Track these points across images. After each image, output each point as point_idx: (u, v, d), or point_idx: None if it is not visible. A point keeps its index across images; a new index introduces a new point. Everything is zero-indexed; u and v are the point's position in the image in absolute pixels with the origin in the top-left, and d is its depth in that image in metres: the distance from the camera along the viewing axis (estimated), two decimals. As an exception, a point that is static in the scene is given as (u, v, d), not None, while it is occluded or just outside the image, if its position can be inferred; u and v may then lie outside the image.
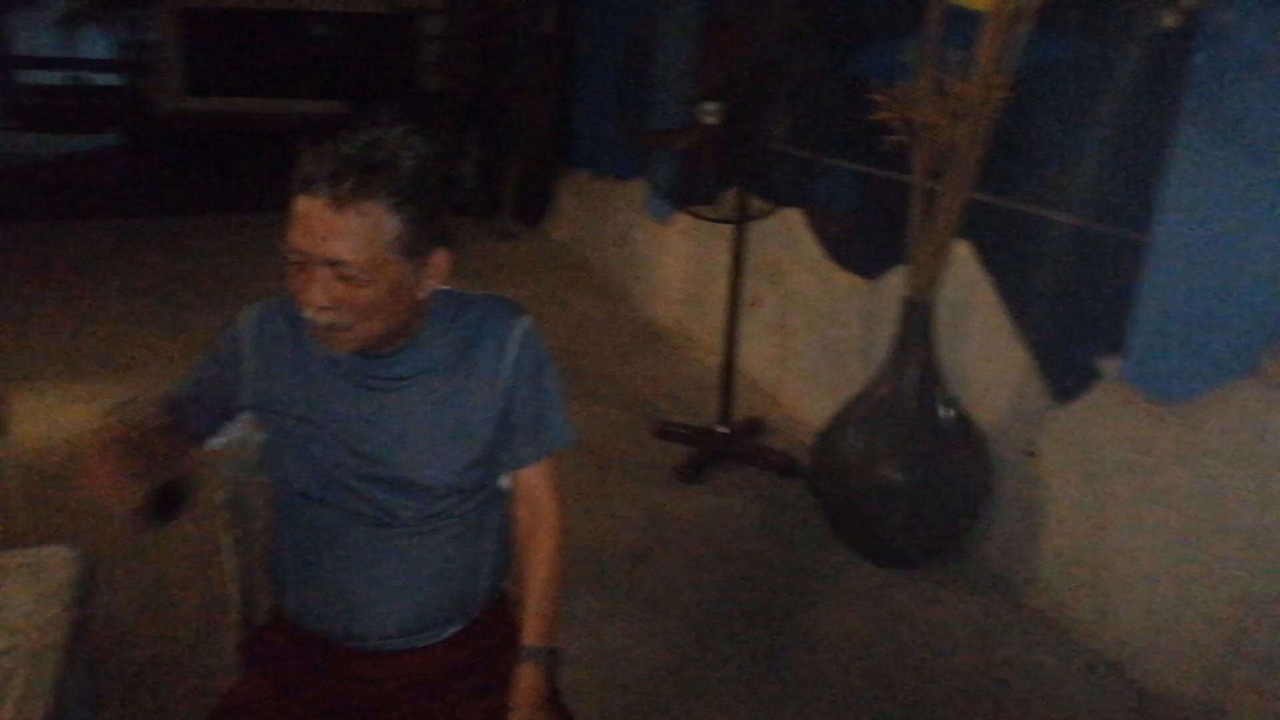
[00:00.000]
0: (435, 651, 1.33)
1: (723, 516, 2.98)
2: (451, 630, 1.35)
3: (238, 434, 1.41)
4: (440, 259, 1.20)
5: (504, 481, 1.38)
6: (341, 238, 1.11)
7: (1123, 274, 2.30)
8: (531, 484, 1.37)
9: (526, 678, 1.29)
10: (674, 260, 4.75)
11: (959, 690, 2.23)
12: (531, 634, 1.32)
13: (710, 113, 2.99)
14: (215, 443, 1.35)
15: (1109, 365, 2.34)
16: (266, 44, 10.02)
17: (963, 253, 2.77)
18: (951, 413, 2.57)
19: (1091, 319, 2.43)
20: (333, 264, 1.12)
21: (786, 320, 3.78)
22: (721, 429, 3.34)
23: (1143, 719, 2.14)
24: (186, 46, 9.97)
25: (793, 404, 3.77)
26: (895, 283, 3.14)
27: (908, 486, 2.53)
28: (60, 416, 3.40)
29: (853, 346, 3.38)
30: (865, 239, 3.35)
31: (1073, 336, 2.49)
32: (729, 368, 3.32)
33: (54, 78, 13.67)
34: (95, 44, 12.67)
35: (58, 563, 1.24)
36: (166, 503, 1.10)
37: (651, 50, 4.43)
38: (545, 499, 1.37)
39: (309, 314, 1.15)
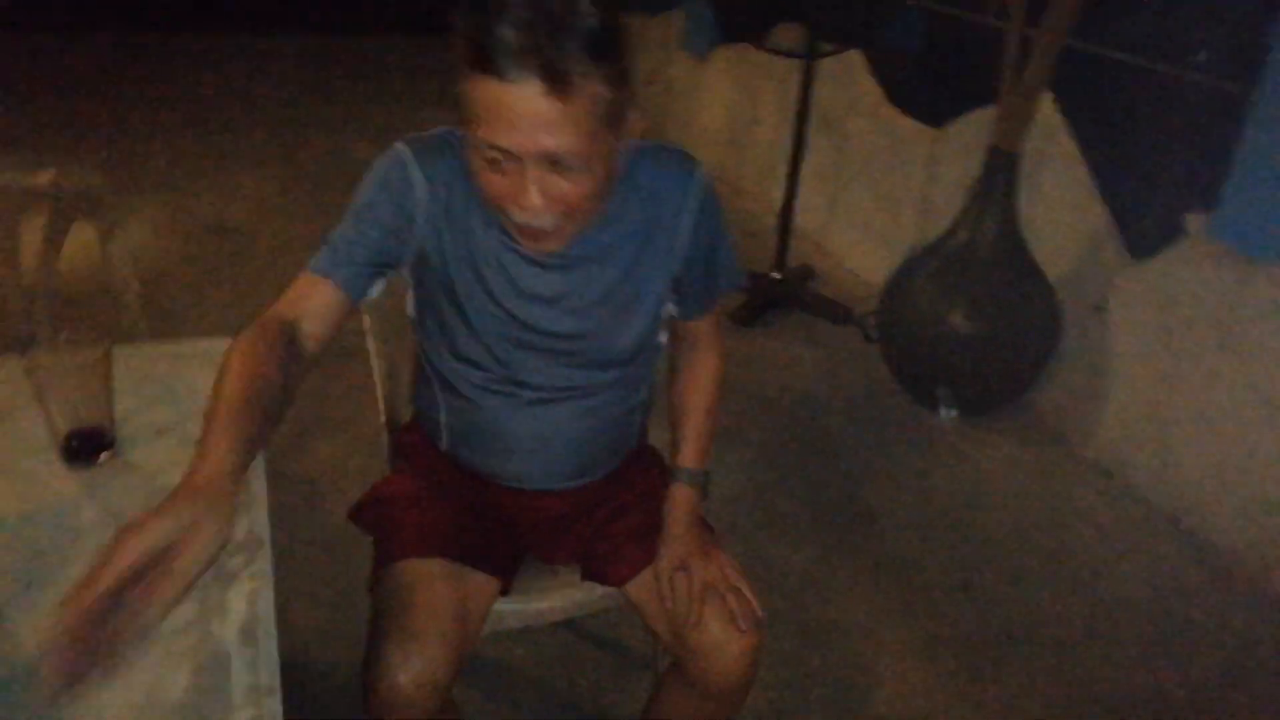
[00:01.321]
0: (589, 488, 1.34)
1: (782, 359, 3.01)
2: (605, 471, 1.35)
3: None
4: (634, 117, 1.04)
5: (662, 336, 1.34)
6: (562, 126, 0.94)
7: (1221, 127, 2.26)
8: (697, 325, 1.34)
9: (681, 496, 1.32)
10: (714, 101, 4.62)
11: (1019, 528, 2.33)
12: (688, 457, 1.34)
13: (791, -60, 2.84)
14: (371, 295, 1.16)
15: (1196, 220, 2.33)
16: None
17: (1043, 101, 2.70)
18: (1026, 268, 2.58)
19: (1181, 173, 2.40)
20: (553, 159, 0.96)
21: (840, 167, 3.71)
22: (775, 275, 3.33)
23: (1200, 568, 2.24)
24: None
25: (841, 253, 3.75)
26: (964, 130, 3.09)
27: (977, 336, 2.55)
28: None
29: (912, 196, 3.34)
30: (933, 84, 3.26)
31: (1157, 191, 2.47)
32: (787, 213, 3.28)
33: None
34: None
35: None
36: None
37: None
38: (709, 335, 1.35)
39: (522, 218, 1.01)
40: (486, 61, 0.91)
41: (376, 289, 1.14)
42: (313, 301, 1.07)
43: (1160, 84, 2.42)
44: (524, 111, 0.92)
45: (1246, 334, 2.19)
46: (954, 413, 2.68)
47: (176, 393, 1.17)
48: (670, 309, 1.29)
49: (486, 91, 0.93)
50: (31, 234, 1.66)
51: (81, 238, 1.69)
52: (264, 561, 0.92)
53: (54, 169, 1.68)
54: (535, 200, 0.99)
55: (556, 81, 0.91)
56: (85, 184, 1.70)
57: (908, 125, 3.35)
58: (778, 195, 3.35)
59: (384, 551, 1.23)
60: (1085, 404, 2.63)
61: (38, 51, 5.96)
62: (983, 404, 2.72)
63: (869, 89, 3.52)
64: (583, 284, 1.17)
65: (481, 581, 1.23)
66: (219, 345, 1.28)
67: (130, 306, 1.76)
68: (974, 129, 3.00)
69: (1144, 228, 2.49)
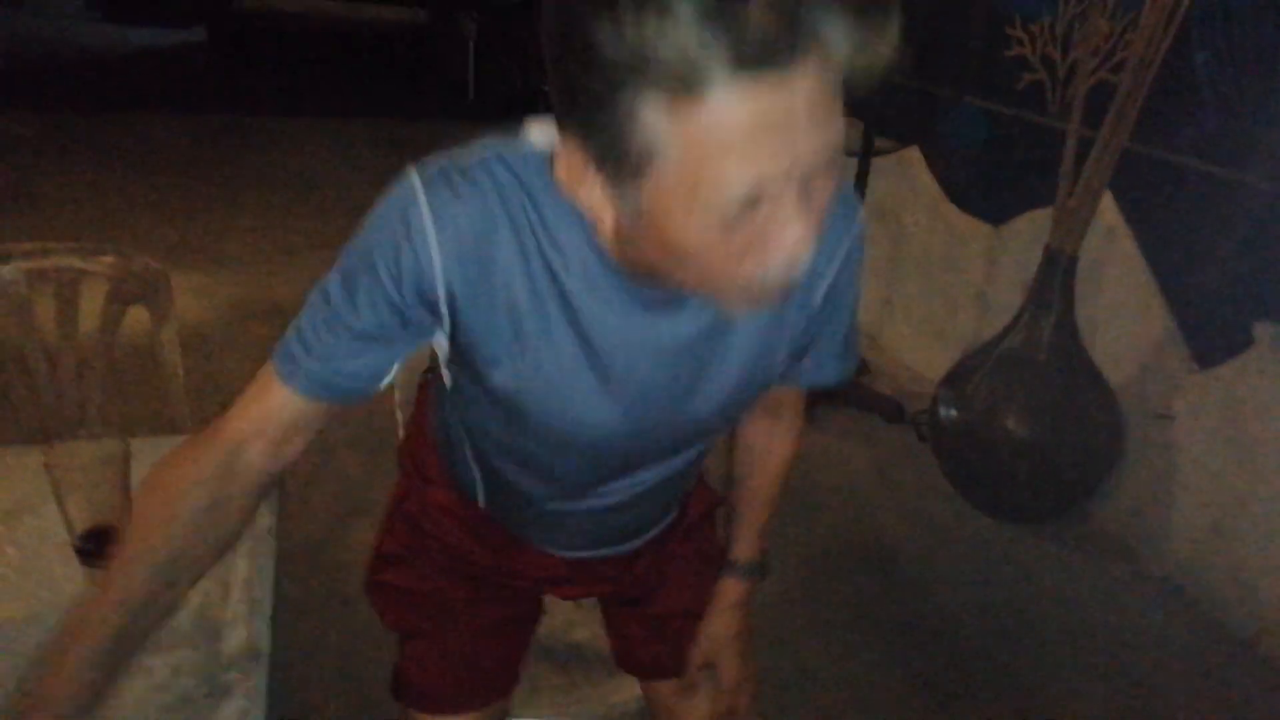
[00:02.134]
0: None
1: (832, 458, 2.95)
2: (660, 527, 1.20)
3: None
4: None
5: None
6: (836, 109, 0.64)
7: (1290, 236, 2.19)
8: (786, 396, 1.11)
9: (734, 593, 1.18)
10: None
11: (1079, 647, 2.20)
12: (747, 546, 1.18)
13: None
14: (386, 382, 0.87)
15: (1265, 330, 2.24)
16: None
17: (1104, 202, 2.64)
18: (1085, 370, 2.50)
19: (1247, 280, 2.31)
20: (834, 162, 0.68)
21: (897, 261, 3.68)
22: (828, 369, 3.28)
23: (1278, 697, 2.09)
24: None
25: (897, 348, 3.69)
26: (1022, 229, 3.04)
27: (1035, 442, 2.47)
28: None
29: (969, 294, 3.29)
30: (991, 182, 3.23)
31: (1224, 298, 2.38)
32: (841, 307, 3.25)
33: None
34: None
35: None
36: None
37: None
38: (793, 410, 1.15)
39: (786, 267, 0.69)
40: (748, 57, 0.58)
41: (383, 381, 0.84)
42: (266, 412, 0.82)
43: (1225, 189, 2.36)
44: (806, 108, 0.61)
45: (1322, 451, 2.08)
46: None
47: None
48: None
49: (743, 106, 0.60)
50: (88, 316, 1.71)
51: (137, 323, 1.74)
52: (260, 678, 0.90)
53: (114, 253, 1.73)
54: (810, 230, 0.68)
55: (824, 51, 0.60)
56: (144, 268, 1.75)
57: (966, 222, 3.31)
58: (832, 288, 3.32)
59: (404, 686, 1.16)
60: (1151, 516, 2.51)
61: (122, 130, 6.28)
62: (1042, 512, 2.61)
63: (927, 184, 3.50)
64: (715, 357, 0.88)
65: (498, 712, 1.18)
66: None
67: (176, 395, 1.79)
68: (1033, 228, 2.95)
69: (1210, 335, 2.40)
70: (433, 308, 0.80)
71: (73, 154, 5.62)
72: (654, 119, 0.61)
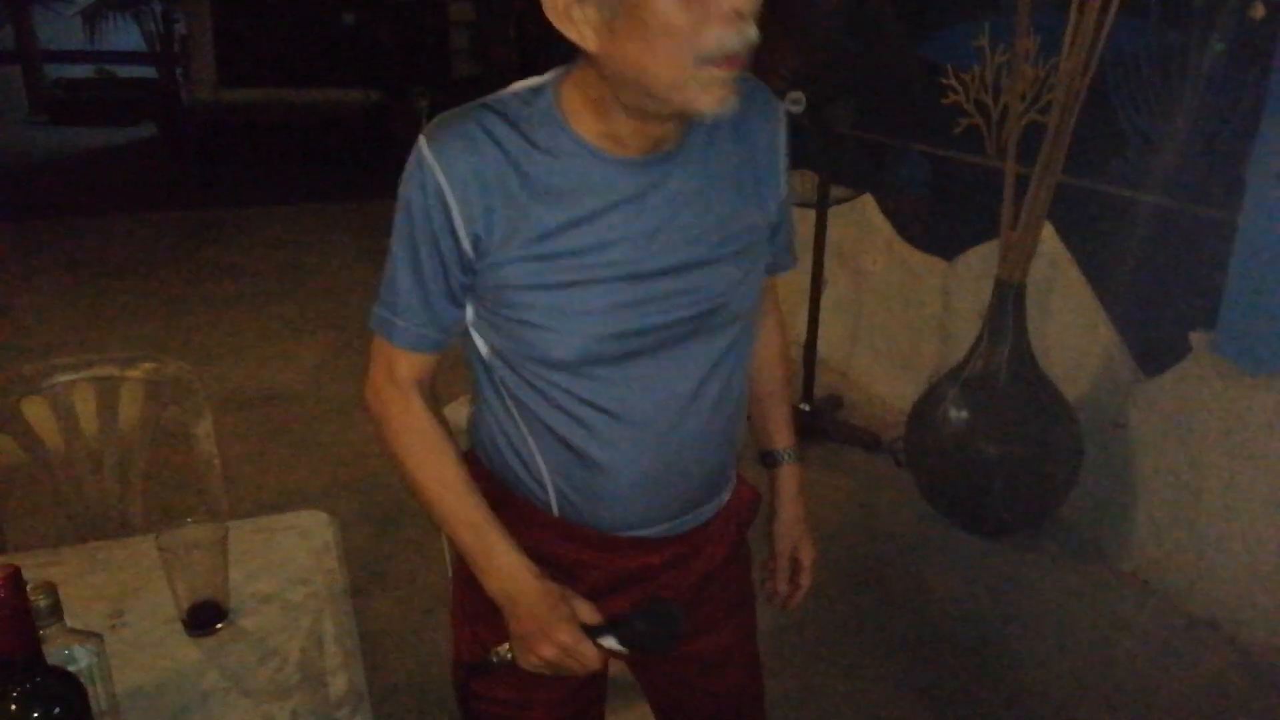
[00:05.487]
0: (686, 542, 1.17)
1: (817, 490, 3.12)
2: (709, 510, 1.19)
3: None
4: None
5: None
6: None
7: (1211, 251, 2.42)
8: (767, 281, 1.20)
9: (792, 475, 1.29)
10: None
11: (1065, 647, 2.37)
12: (785, 435, 1.30)
13: (796, 101, 3.10)
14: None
15: (1199, 338, 2.46)
16: (298, 34, 10.11)
17: (1045, 232, 2.87)
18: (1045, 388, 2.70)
19: (1180, 294, 2.54)
20: None
21: (859, 300, 3.90)
22: (804, 406, 3.47)
23: (1246, 675, 2.27)
24: (219, 37, 10.06)
25: (866, 381, 3.89)
26: (972, 262, 3.27)
27: (1005, 459, 2.66)
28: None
29: (930, 325, 3.50)
30: (941, 220, 3.46)
31: (1161, 312, 2.61)
32: (811, 347, 3.44)
33: (81, 71, 13.85)
34: (123, 36, 12.77)
35: (319, 524, 1.38)
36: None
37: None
38: (772, 295, 1.25)
39: (748, 36, 0.90)
40: None
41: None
42: (398, 373, 1.07)
43: (1151, 213, 2.59)
44: None
45: (1258, 445, 2.29)
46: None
47: (273, 564, 1.31)
48: None
49: None
50: (127, 420, 1.85)
51: (172, 423, 1.87)
52: (365, 715, 1.04)
53: (150, 361, 1.87)
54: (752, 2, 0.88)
55: None
56: (176, 372, 1.89)
57: (920, 258, 3.54)
58: (801, 329, 3.52)
59: None
60: (1117, 517, 2.70)
61: (84, 233, 6.38)
62: (1016, 524, 2.79)
63: (881, 226, 3.73)
64: (706, 212, 1.04)
65: None
66: (305, 519, 1.44)
67: (215, 483, 1.92)
68: (982, 260, 3.18)
69: (1152, 346, 2.62)
70: (462, 240, 1.00)
71: (38, 262, 5.71)
72: None
